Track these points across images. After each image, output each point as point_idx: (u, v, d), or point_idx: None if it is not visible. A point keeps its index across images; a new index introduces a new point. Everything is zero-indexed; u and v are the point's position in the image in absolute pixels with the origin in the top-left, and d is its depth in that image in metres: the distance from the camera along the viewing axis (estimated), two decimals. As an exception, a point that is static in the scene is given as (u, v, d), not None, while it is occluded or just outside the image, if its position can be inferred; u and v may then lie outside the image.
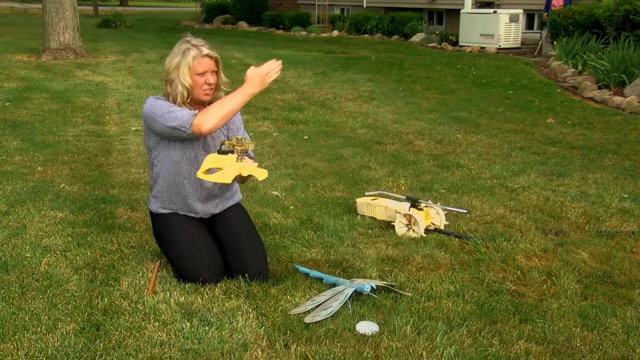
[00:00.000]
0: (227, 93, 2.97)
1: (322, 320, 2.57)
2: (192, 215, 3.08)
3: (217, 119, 2.81)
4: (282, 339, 2.45)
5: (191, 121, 2.80)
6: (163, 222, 3.07)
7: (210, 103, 3.00)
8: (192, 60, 2.89)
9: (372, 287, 2.79)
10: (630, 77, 8.30)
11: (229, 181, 2.81)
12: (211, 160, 2.83)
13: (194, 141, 2.96)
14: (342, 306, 2.67)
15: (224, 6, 22.86)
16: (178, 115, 2.84)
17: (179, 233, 2.99)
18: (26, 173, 4.72)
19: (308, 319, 2.58)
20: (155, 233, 3.14)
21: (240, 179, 2.95)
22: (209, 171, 2.82)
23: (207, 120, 2.79)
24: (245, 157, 2.85)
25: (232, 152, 2.84)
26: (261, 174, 2.87)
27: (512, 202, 4.18)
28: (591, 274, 3.09)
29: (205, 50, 2.92)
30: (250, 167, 2.84)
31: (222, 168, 2.80)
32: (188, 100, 2.95)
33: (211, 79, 2.94)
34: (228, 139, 3.03)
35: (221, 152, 2.86)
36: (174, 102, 2.93)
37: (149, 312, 2.64)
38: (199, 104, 2.99)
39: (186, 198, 3.03)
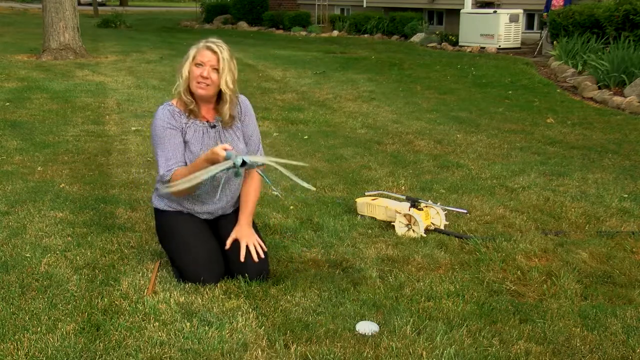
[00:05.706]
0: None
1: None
2: (197, 215, 3.08)
3: (182, 190, 2.81)
4: (282, 339, 2.45)
5: (167, 177, 2.90)
6: (167, 219, 3.07)
7: (217, 108, 3.00)
8: (194, 51, 2.94)
9: (244, 160, 2.60)
10: (630, 77, 8.30)
11: None
12: None
13: (209, 144, 2.97)
14: (221, 172, 2.65)
15: (224, 6, 22.86)
16: (160, 160, 2.93)
17: (182, 232, 2.99)
18: (26, 173, 4.71)
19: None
20: (158, 230, 3.14)
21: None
22: None
23: (176, 186, 2.79)
24: None
25: None
26: None
27: (512, 202, 4.18)
28: (591, 274, 3.09)
29: (208, 43, 2.94)
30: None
31: None
32: (189, 95, 2.95)
33: (206, 73, 2.91)
34: (245, 143, 3.07)
35: None
36: (179, 95, 2.96)
37: (149, 312, 2.64)
38: (203, 101, 2.99)
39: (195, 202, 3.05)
